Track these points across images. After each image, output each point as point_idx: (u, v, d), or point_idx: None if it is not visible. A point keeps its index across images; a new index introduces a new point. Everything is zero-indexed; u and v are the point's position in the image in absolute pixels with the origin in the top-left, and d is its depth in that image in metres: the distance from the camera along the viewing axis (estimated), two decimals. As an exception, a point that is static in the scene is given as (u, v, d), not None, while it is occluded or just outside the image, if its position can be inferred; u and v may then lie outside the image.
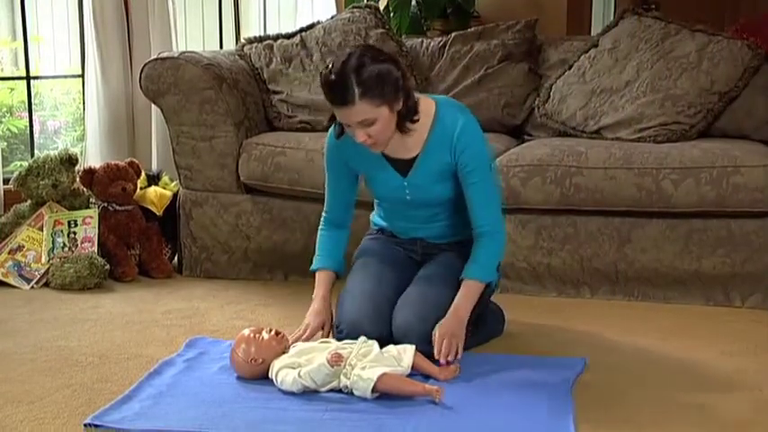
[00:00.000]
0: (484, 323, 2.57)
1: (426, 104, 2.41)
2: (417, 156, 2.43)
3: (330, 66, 2.26)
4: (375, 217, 2.68)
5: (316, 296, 2.51)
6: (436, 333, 2.34)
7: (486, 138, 2.47)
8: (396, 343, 2.32)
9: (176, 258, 3.47)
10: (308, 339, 2.39)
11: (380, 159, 2.45)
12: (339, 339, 2.39)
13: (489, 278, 2.45)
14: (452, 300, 2.40)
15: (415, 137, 2.40)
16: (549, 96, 3.46)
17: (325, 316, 2.47)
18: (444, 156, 2.40)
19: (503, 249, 2.50)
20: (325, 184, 2.59)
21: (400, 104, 2.30)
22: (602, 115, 3.30)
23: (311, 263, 2.58)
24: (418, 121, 2.36)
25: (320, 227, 2.62)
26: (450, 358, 2.29)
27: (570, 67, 3.48)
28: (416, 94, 2.40)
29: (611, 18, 4.13)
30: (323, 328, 2.44)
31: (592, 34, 4.76)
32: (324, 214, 2.61)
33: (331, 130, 2.49)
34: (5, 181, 3.65)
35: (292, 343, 2.33)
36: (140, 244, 3.39)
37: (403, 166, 2.45)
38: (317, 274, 2.56)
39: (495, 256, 2.47)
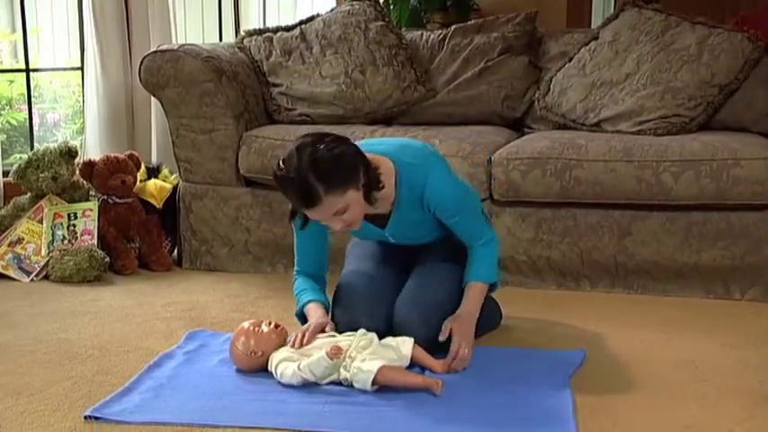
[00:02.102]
0: (481, 316, 2.57)
1: (385, 164, 2.28)
2: (390, 212, 2.36)
3: (283, 164, 2.15)
4: None
5: (312, 318, 2.36)
6: (453, 333, 2.30)
7: (454, 179, 2.37)
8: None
9: (176, 251, 3.47)
10: (311, 335, 2.34)
11: None
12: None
13: (492, 278, 2.44)
14: (452, 292, 2.40)
15: (383, 199, 2.29)
16: (549, 89, 3.46)
17: (326, 320, 2.37)
18: (416, 211, 2.34)
19: (498, 249, 2.47)
20: (294, 238, 2.47)
21: (363, 179, 2.20)
22: (603, 108, 3.29)
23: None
24: (383, 188, 2.25)
25: (293, 277, 2.50)
26: (462, 367, 2.27)
27: (570, 60, 3.48)
28: (370, 153, 2.26)
29: (612, 10, 4.12)
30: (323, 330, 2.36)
31: (592, 27, 4.77)
32: (295, 267, 2.49)
33: None
34: (5, 173, 3.65)
35: (292, 344, 2.29)
36: (140, 237, 3.39)
37: (379, 220, 2.38)
38: (305, 310, 2.40)
39: (493, 257, 2.45)
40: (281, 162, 2.17)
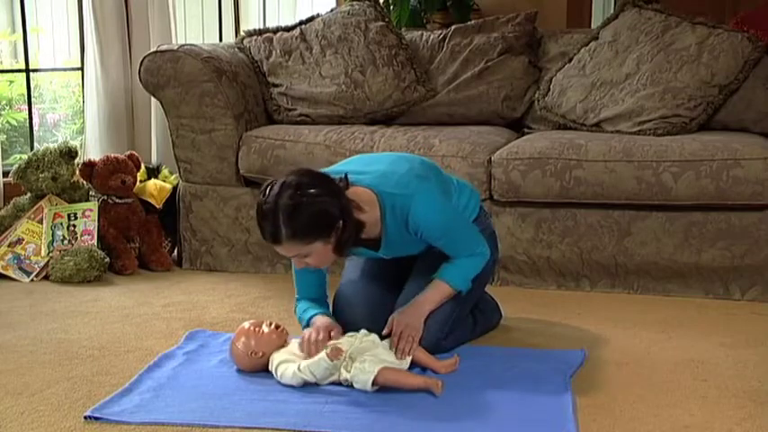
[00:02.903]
0: (482, 313, 2.58)
1: (368, 197, 2.28)
2: (380, 237, 2.34)
3: (266, 192, 2.16)
4: None
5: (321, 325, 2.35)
6: (394, 321, 2.30)
7: (440, 205, 2.34)
8: None
9: (176, 251, 3.47)
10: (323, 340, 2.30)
11: None
12: None
13: (463, 287, 2.37)
14: (447, 303, 2.39)
15: (371, 228, 2.29)
16: (548, 89, 3.46)
17: (333, 323, 2.38)
18: (405, 236, 2.33)
19: (482, 265, 2.41)
20: (293, 270, 2.46)
21: (337, 235, 2.19)
22: (602, 108, 3.29)
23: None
24: (361, 241, 2.28)
25: (295, 304, 2.49)
26: (407, 354, 2.25)
27: (570, 60, 3.48)
28: (356, 185, 2.27)
29: (612, 10, 4.12)
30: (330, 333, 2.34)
31: (592, 27, 4.77)
32: (296, 296, 2.48)
33: None
34: (5, 174, 3.65)
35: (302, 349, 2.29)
36: (140, 237, 3.39)
37: (371, 243, 2.37)
38: (312, 322, 2.38)
39: (474, 268, 2.39)
40: (266, 188, 2.18)
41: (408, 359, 2.23)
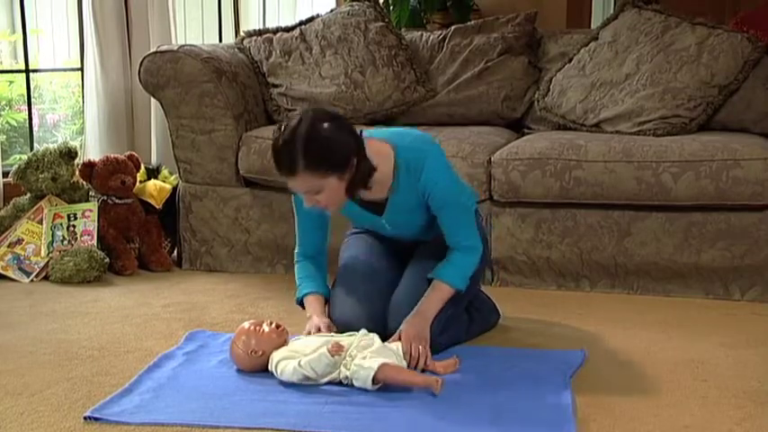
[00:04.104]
0: (478, 311, 2.57)
1: (384, 149, 2.32)
2: (387, 198, 2.37)
3: (282, 128, 2.19)
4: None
5: (312, 315, 2.41)
6: (402, 337, 2.28)
7: (452, 172, 2.40)
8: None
9: (176, 252, 3.47)
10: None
11: (351, 203, 2.38)
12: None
13: (461, 285, 2.38)
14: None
15: (379, 185, 2.32)
16: (548, 90, 3.46)
17: (327, 321, 2.39)
18: (412, 197, 2.35)
19: (477, 262, 2.41)
20: (296, 219, 2.50)
21: (351, 172, 2.22)
22: (602, 108, 3.29)
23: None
24: (371, 189, 2.30)
25: (295, 260, 2.53)
26: (421, 365, 2.25)
27: (570, 61, 3.48)
28: (371, 138, 2.31)
29: (611, 11, 4.12)
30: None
31: (592, 27, 4.77)
32: (296, 249, 2.52)
33: None
34: (5, 174, 3.65)
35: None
36: (140, 237, 3.39)
37: (376, 207, 2.40)
38: (305, 301, 2.46)
39: (470, 265, 2.40)
40: (281, 125, 2.22)
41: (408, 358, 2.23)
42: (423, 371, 2.24)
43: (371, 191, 2.33)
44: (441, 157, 2.36)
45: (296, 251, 2.54)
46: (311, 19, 3.71)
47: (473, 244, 2.41)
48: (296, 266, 2.53)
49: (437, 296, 2.37)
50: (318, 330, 2.34)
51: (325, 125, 2.18)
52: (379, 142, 2.32)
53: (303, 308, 2.48)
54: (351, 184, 2.24)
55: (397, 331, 2.32)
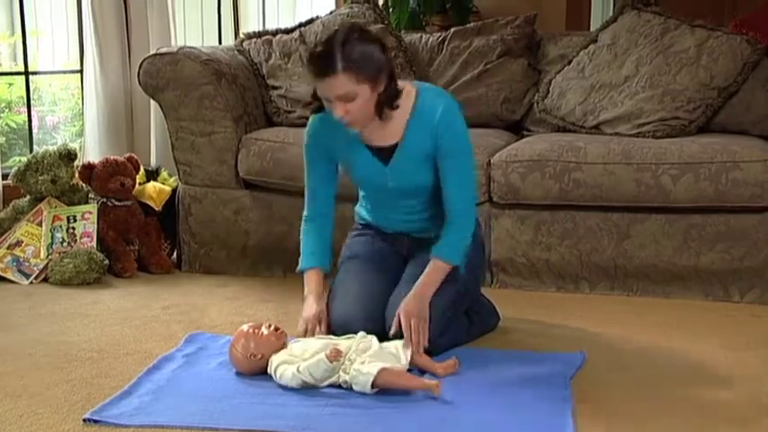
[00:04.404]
0: (477, 314, 2.58)
1: (407, 91, 2.40)
2: (398, 143, 2.42)
3: (318, 37, 2.25)
4: (360, 209, 2.67)
5: (307, 294, 2.48)
6: (401, 315, 2.32)
7: (467, 128, 2.45)
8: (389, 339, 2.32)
9: (175, 254, 3.47)
10: (308, 335, 2.38)
11: (361, 147, 2.44)
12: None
13: (458, 261, 2.41)
14: (441, 299, 2.40)
15: (395, 123, 2.39)
16: (548, 92, 3.46)
17: (319, 309, 2.43)
18: (425, 141, 2.39)
19: (470, 237, 2.45)
20: (305, 181, 2.56)
21: (382, 87, 2.30)
22: (602, 110, 3.29)
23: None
24: (398, 108, 2.36)
25: (302, 226, 2.58)
26: (424, 345, 2.29)
27: (569, 63, 3.48)
28: (399, 81, 2.39)
29: (611, 13, 4.12)
30: (320, 324, 2.41)
31: (591, 29, 4.76)
32: (304, 212, 2.57)
33: (310, 121, 2.52)
34: (4, 176, 3.65)
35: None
36: (139, 239, 3.39)
37: (384, 154, 2.44)
38: (305, 275, 2.52)
39: (465, 240, 2.44)
40: (319, 36, 2.30)
41: (407, 362, 2.23)
42: (422, 373, 2.24)
43: (385, 133, 2.39)
44: (459, 110, 2.43)
45: (303, 214, 2.58)
46: (311, 21, 3.71)
47: (469, 215, 2.45)
48: (302, 232, 2.57)
49: (432, 273, 2.40)
50: (306, 328, 2.39)
51: (362, 36, 2.28)
52: (402, 81, 2.41)
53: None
54: (380, 100, 2.30)
55: (396, 315, 2.34)
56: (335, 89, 2.25)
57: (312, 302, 2.46)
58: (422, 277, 2.39)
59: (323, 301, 2.47)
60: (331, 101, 2.29)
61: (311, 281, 2.51)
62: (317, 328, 2.40)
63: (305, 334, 2.39)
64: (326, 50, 2.23)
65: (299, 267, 2.55)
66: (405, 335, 2.29)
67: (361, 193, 2.65)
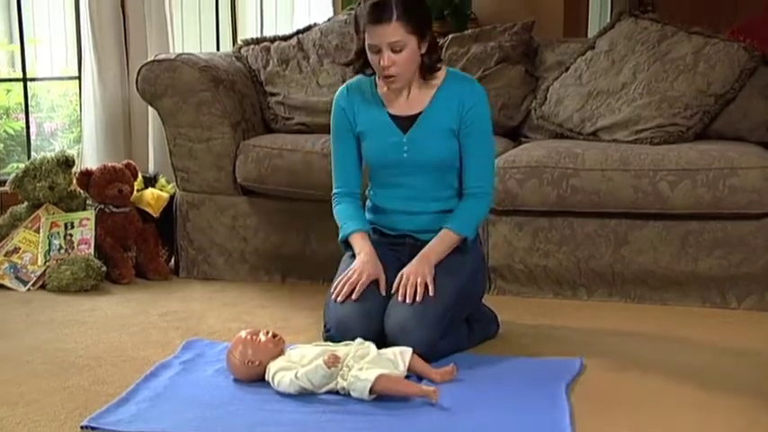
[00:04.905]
0: (478, 322, 2.58)
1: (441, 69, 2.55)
2: (422, 111, 2.51)
3: None
4: (366, 212, 2.67)
5: (361, 251, 2.48)
6: (402, 274, 2.41)
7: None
8: (386, 344, 2.32)
9: (173, 260, 3.47)
10: (362, 284, 2.40)
11: (383, 113, 2.53)
12: (326, 339, 2.41)
13: (467, 233, 2.49)
14: (445, 292, 2.41)
15: (423, 93, 2.52)
16: (545, 98, 3.46)
17: (378, 268, 2.45)
18: (450, 113, 2.50)
19: (487, 208, 2.60)
20: (332, 158, 2.63)
21: (426, 44, 2.44)
22: (599, 117, 3.30)
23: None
24: (439, 70, 2.51)
25: (334, 203, 2.62)
26: (418, 298, 2.35)
27: (567, 69, 3.49)
28: None
29: (608, 20, 4.13)
30: (378, 282, 2.44)
31: (588, 36, 4.77)
32: (335, 190, 2.62)
33: (338, 91, 2.60)
34: (2, 183, 3.65)
35: (337, 284, 2.43)
36: (137, 246, 3.39)
37: (405, 123, 2.52)
38: (351, 239, 2.52)
39: (479, 215, 2.56)
40: None
41: (405, 368, 2.23)
42: (420, 380, 2.24)
43: (411, 101, 2.51)
44: (487, 97, 2.58)
45: (334, 192, 2.62)
46: (308, 28, 3.72)
47: (486, 191, 2.54)
48: (336, 207, 2.61)
49: (439, 242, 2.48)
50: (361, 276, 2.41)
51: None
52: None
53: (346, 248, 2.56)
54: (423, 62, 2.46)
55: (398, 275, 2.41)
56: (388, 36, 2.38)
57: (368, 259, 2.45)
58: (429, 244, 2.47)
59: (378, 261, 2.46)
60: (381, 50, 2.40)
61: (360, 241, 2.51)
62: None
63: (356, 284, 2.40)
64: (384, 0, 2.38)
65: (341, 235, 2.55)
66: (399, 291, 2.37)
67: (368, 187, 2.64)
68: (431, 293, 2.38)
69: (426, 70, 2.50)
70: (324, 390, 2.17)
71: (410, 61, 2.43)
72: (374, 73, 2.52)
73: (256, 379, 2.25)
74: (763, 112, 3.23)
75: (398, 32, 2.39)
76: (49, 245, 3.31)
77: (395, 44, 2.39)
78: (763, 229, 2.89)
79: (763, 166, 2.87)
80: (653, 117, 3.19)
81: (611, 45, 3.45)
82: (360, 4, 2.50)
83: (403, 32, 2.39)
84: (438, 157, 2.51)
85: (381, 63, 2.41)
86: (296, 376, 2.16)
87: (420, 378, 2.25)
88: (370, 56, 2.45)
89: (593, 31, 5.10)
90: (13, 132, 4.20)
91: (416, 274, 2.41)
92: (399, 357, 2.24)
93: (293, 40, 3.64)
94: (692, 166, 2.90)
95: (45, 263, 3.26)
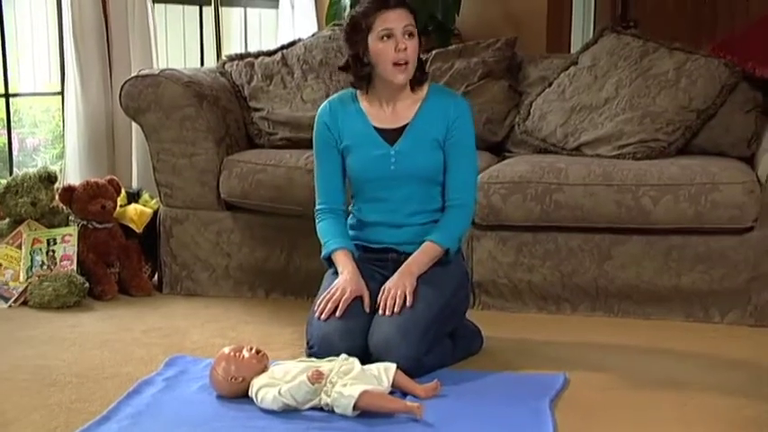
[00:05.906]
0: (462, 337, 2.58)
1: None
2: (408, 123, 2.54)
3: None
4: (349, 230, 2.66)
5: (344, 269, 2.48)
6: (384, 288, 2.42)
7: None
8: (370, 360, 2.31)
9: (156, 276, 3.45)
10: (345, 301, 2.40)
11: (369, 127, 2.54)
12: (309, 355, 2.40)
13: (450, 244, 2.51)
14: (430, 308, 2.41)
15: (407, 106, 2.54)
16: (529, 113, 3.48)
17: (360, 285, 2.45)
18: (437, 124, 2.52)
19: (469, 219, 2.62)
20: (316, 174, 2.63)
21: (422, 48, 2.54)
22: (582, 132, 3.32)
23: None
24: (425, 82, 2.55)
25: (317, 220, 2.61)
26: (396, 309, 2.37)
27: (550, 85, 3.51)
28: None
29: (591, 36, 4.16)
30: (361, 298, 2.44)
31: (571, 52, 4.80)
32: (318, 206, 2.61)
33: (320, 108, 2.60)
34: (-16, 199, 3.62)
35: (320, 301, 2.42)
36: (120, 262, 3.37)
37: (391, 136, 2.53)
38: (335, 256, 2.52)
39: (460, 226, 2.57)
40: None
41: (389, 384, 2.22)
42: (404, 396, 2.24)
43: (397, 114, 2.53)
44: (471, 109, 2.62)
45: (317, 208, 2.61)
46: (293, 43, 3.72)
47: (468, 202, 2.56)
48: (319, 224, 2.60)
49: (421, 254, 2.50)
50: (344, 293, 2.41)
51: None
52: None
53: (329, 265, 2.55)
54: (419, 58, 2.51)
55: (381, 289, 2.43)
56: (403, 18, 2.45)
57: (351, 278, 2.44)
58: (412, 255, 2.48)
59: (361, 280, 2.47)
60: (393, 35, 2.44)
61: (343, 260, 2.50)
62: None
63: (339, 301, 2.40)
64: None
65: (324, 252, 2.55)
66: (381, 305, 2.38)
67: (352, 204, 2.64)
68: (408, 304, 2.38)
69: (416, 81, 2.53)
70: (307, 406, 2.16)
71: (417, 52, 2.49)
72: (364, 80, 2.52)
73: (240, 395, 2.24)
74: (744, 128, 3.26)
75: (408, 18, 2.46)
76: (32, 261, 3.29)
77: (408, 26, 2.45)
78: (744, 243, 2.91)
79: (744, 181, 2.89)
80: (635, 132, 3.21)
81: (594, 61, 3.47)
82: (355, 10, 2.52)
83: (412, 18, 2.47)
84: (425, 169, 2.53)
85: (398, 46, 2.44)
86: (279, 393, 2.15)
87: (404, 394, 2.25)
88: (379, 46, 2.45)
89: (575, 46, 5.12)
90: (-5, 148, 4.17)
91: (397, 287, 2.42)
92: (383, 373, 2.24)
93: (277, 56, 3.64)
94: (675, 182, 2.91)
95: (27, 279, 3.24)
